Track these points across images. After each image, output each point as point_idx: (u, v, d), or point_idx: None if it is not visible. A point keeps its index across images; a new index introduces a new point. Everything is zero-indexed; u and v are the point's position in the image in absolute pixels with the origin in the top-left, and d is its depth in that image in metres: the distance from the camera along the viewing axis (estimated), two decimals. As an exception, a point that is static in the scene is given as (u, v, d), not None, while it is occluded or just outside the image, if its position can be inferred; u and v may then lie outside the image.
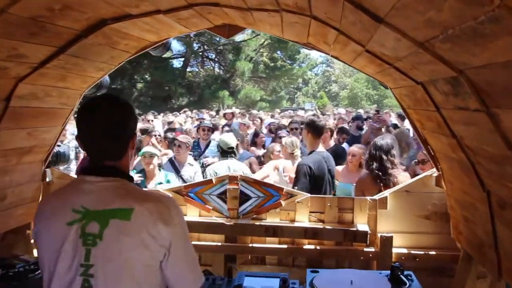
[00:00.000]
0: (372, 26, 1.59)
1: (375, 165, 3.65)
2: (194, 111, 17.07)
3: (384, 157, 3.63)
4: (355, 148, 4.80)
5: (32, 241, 2.98)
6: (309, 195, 3.00)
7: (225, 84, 27.26)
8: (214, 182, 3.09)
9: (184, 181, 4.91)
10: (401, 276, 1.89)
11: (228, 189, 3.04)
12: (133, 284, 1.38)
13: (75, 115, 1.56)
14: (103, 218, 1.38)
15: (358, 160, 4.61)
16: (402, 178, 3.56)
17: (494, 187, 1.83)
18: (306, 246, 2.97)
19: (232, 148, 4.63)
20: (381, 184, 3.55)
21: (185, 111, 15.62)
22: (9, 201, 2.70)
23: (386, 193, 2.95)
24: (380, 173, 3.59)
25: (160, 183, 4.46)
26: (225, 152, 4.64)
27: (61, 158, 3.29)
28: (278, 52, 30.32)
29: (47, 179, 3.11)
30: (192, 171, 5.25)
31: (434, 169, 2.82)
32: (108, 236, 1.37)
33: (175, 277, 1.46)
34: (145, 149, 4.75)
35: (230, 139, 4.72)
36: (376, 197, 2.94)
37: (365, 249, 2.89)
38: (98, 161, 1.50)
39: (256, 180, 3.20)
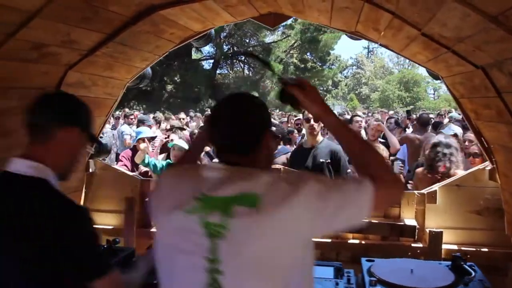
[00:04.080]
0: (436, 3, 1.52)
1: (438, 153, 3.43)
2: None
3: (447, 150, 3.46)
4: None
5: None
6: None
7: (254, 86, 27.22)
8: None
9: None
10: (465, 266, 1.79)
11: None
12: (266, 279, 1.15)
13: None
14: (226, 205, 1.17)
15: None
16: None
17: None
18: (351, 241, 2.89)
19: None
20: (439, 177, 3.35)
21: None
22: (54, 189, 2.74)
23: (435, 187, 2.83)
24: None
25: None
26: None
27: (103, 149, 3.32)
28: (308, 53, 30.03)
29: (90, 170, 3.15)
30: None
31: (488, 162, 2.70)
32: (236, 227, 1.15)
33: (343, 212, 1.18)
34: (177, 141, 4.74)
35: None
36: (425, 191, 2.84)
37: (413, 245, 2.78)
38: (222, 155, 1.32)
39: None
